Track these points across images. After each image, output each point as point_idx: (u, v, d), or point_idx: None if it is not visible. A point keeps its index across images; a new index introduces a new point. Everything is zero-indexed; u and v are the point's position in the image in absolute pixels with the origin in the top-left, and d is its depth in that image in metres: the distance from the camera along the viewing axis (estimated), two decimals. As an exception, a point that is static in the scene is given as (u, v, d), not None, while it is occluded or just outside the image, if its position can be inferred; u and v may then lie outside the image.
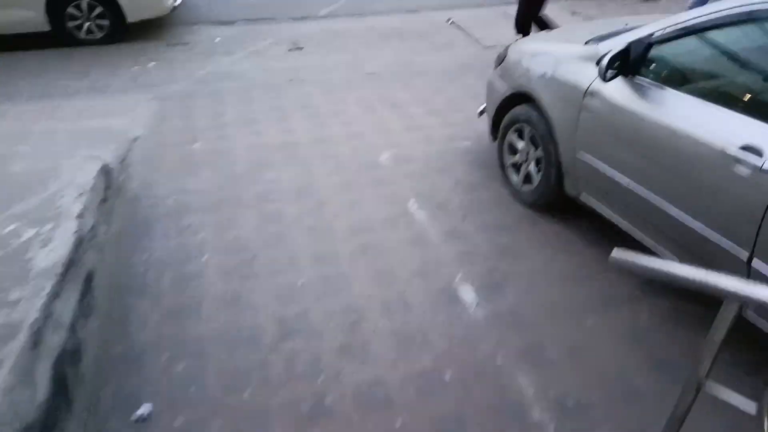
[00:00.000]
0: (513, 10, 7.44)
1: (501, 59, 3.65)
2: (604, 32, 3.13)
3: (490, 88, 3.77)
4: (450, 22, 6.97)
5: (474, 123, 4.44)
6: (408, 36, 6.60)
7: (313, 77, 5.46)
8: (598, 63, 2.74)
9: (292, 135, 4.41)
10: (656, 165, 2.47)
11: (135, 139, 4.22)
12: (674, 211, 2.40)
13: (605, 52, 2.69)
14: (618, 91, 2.64)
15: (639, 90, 2.57)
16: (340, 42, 6.37)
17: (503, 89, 3.51)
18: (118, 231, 3.23)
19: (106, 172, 3.31)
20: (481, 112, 4.02)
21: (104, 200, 3.20)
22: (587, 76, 2.82)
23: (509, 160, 3.61)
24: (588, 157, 2.86)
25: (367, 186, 3.78)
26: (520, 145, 3.46)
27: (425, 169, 3.96)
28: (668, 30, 2.51)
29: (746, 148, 2.06)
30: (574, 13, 7.40)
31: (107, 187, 3.26)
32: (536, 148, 3.30)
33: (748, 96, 2.26)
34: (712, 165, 2.18)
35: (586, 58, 2.89)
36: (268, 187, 3.74)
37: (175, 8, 6.49)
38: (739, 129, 2.12)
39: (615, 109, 2.65)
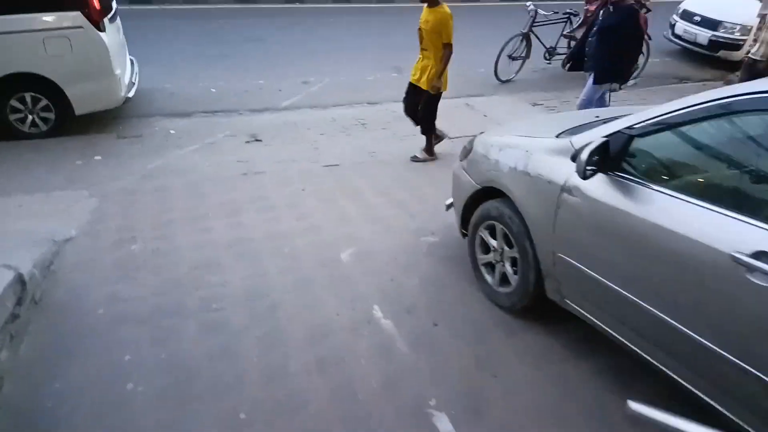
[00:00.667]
0: (475, 101, 7.53)
1: (467, 151, 3.44)
2: (574, 124, 2.95)
3: (457, 181, 3.53)
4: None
5: (441, 215, 4.17)
6: (371, 126, 6.48)
7: (269, 169, 5.19)
8: (573, 158, 2.51)
9: (244, 231, 4.05)
10: (648, 270, 2.19)
11: (66, 241, 3.78)
12: (673, 325, 2.09)
13: (580, 146, 2.48)
14: (599, 188, 2.39)
15: (623, 188, 2.32)
16: (300, 133, 6.18)
17: (471, 184, 3.27)
18: (30, 354, 2.74)
19: (20, 282, 2.85)
20: (449, 206, 3.76)
21: (15, 317, 2.73)
22: (563, 171, 2.58)
23: (482, 258, 3.31)
24: (569, 260, 2.56)
25: (326, 287, 3.40)
26: (494, 243, 3.17)
27: (390, 266, 3.62)
28: (649, 122, 2.31)
29: (761, 254, 1.78)
30: (534, 104, 7.46)
31: (20, 302, 2.80)
32: (511, 247, 3.01)
33: (750, 195, 2.03)
34: (718, 273, 1.90)
35: (560, 152, 2.67)
36: (213, 292, 3.32)
37: (128, 99, 6.25)
38: (746, 232, 1.85)
39: (597, 208, 2.39)
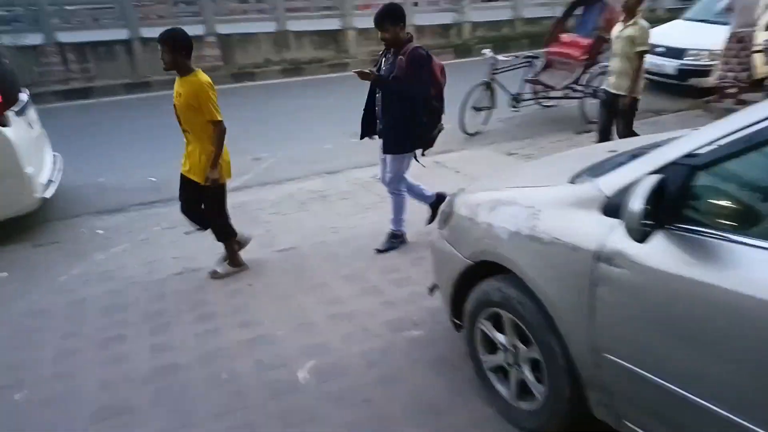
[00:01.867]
0: (444, 158, 6.83)
1: (446, 216, 2.61)
2: (586, 164, 2.16)
3: (439, 256, 2.68)
4: (377, 177, 6.15)
5: (424, 299, 3.29)
6: (331, 198, 5.67)
7: (210, 263, 4.29)
8: (607, 211, 1.70)
9: (170, 354, 3.10)
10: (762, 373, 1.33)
11: None
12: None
13: (615, 191, 1.66)
14: (659, 251, 1.56)
15: (698, 247, 1.49)
16: (250, 215, 5.33)
17: (458, 258, 2.41)
18: None
19: None
20: (432, 289, 2.89)
21: None
22: (593, 231, 1.76)
23: (488, 360, 2.41)
24: (624, 362, 1.69)
25: (276, 427, 2.45)
26: (501, 338, 2.29)
27: (365, 383, 2.70)
28: (722, 143, 1.51)
29: None
30: (509, 153, 6.78)
31: None
32: (528, 344, 2.13)
33: None
34: None
35: (583, 203, 1.85)
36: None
37: (45, 200, 5.37)
38: None
39: (662, 283, 1.55)
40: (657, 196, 1.49)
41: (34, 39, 10.89)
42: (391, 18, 3.73)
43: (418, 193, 4.48)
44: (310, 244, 4.57)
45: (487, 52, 7.72)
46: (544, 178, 2.21)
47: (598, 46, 7.67)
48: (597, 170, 2.00)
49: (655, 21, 11.45)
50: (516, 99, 8.06)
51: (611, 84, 5.38)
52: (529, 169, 2.82)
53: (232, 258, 4.14)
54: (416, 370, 2.77)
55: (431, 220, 4.53)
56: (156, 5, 12.91)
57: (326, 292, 3.74)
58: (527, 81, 8.17)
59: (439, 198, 4.42)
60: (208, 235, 4.81)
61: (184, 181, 3.93)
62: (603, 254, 1.70)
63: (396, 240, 4.37)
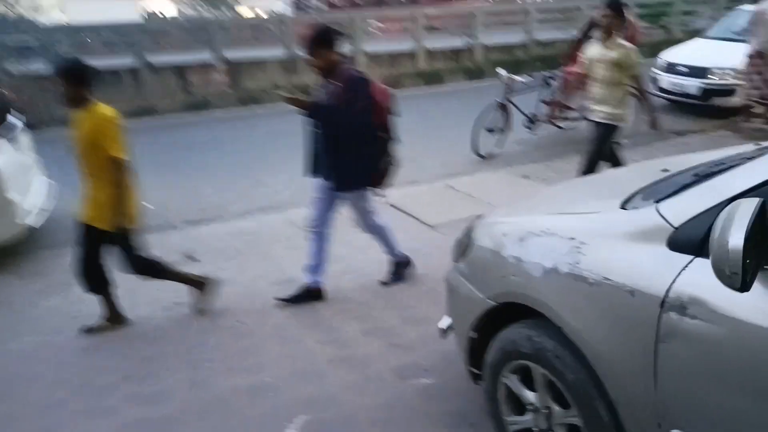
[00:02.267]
0: (457, 182, 6.46)
1: (463, 247, 2.21)
2: (637, 185, 1.77)
3: (454, 294, 2.28)
4: (387, 204, 5.77)
5: (436, 343, 2.88)
6: (338, 224, 5.29)
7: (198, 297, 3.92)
8: (676, 245, 1.30)
9: (161, 406, 2.71)
10: None
11: None
12: None
13: (686, 220, 1.27)
14: (763, 299, 1.15)
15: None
16: (252, 245, 4.96)
17: (478, 299, 2.01)
18: None
19: None
20: (446, 330, 2.48)
21: None
22: (658, 270, 1.36)
23: (514, 423, 1.99)
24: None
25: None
26: (530, 396, 1.87)
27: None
28: None
29: None
30: (525, 176, 6.39)
31: None
32: (565, 405, 1.72)
33: None
34: None
35: (640, 235, 1.45)
36: None
37: (34, 229, 5.05)
38: None
39: (759, 342, 1.14)
40: (759, 227, 1.09)
41: (44, 66, 10.80)
42: (320, 42, 3.31)
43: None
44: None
45: (502, 72, 7.39)
46: (584, 203, 1.83)
47: (618, 65, 7.32)
48: (653, 194, 1.61)
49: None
50: (532, 120, 7.70)
51: (597, 114, 4.79)
52: (563, 192, 2.41)
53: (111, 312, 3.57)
54: (427, 427, 2.35)
55: (389, 280, 3.97)
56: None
57: (333, 334, 3.34)
58: (544, 102, 7.83)
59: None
60: (201, 265, 4.46)
61: (85, 231, 3.34)
62: (673, 301, 1.30)
63: (401, 268, 3.97)
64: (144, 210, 6.09)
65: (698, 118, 8.60)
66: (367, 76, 3.48)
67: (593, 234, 1.59)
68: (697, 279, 1.25)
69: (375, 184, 3.71)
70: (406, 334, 3.19)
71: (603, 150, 4.85)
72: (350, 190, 3.60)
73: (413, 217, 5.28)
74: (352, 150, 3.42)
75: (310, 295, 3.74)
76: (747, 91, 7.56)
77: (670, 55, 9.35)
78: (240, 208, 6.03)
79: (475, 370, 2.17)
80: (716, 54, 8.54)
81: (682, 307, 1.28)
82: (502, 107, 7.30)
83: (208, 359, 3.16)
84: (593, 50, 4.77)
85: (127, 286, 4.25)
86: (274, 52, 12.45)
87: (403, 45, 13.63)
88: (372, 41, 13.42)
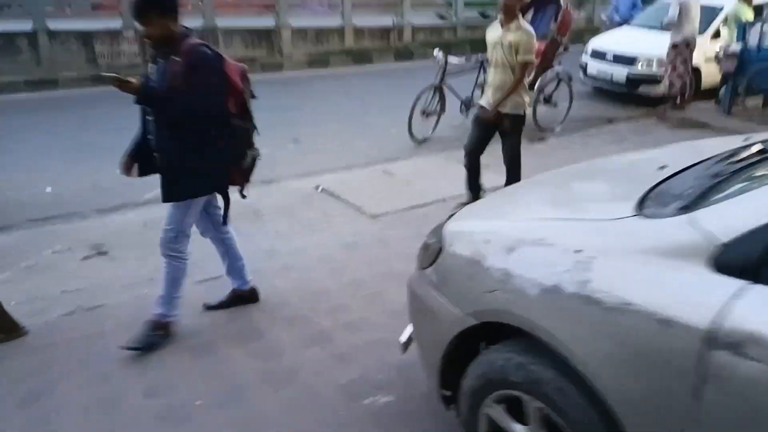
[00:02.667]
0: (393, 167, 6.16)
1: (433, 253, 1.89)
2: (645, 184, 1.52)
3: (420, 306, 1.96)
4: (320, 189, 5.39)
5: (388, 355, 2.58)
6: (268, 215, 4.85)
7: (112, 300, 3.41)
8: (728, 266, 1.05)
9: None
10: None
11: None
12: None
13: (736, 234, 1.02)
14: None
15: None
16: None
17: (452, 315, 1.71)
18: None
19: None
20: (407, 344, 2.17)
21: None
22: (700, 296, 1.11)
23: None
24: None
25: None
26: (520, 430, 1.60)
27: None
28: None
29: None
30: (462, 162, 6.18)
31: None
32: (564, 446, 1.46)
33: None
34: None
35: (672, 251, 1.20)
36: None
37: None
38: None
39: None
40: None
41: None
42: (155, 5, 2.57)
43: (236, 267, 3.26)
44: (242, 273, 3.76)
45: (439, 53, 7.11)
46: (582, 206, 1.56)
47: (553, 50, 7.26)
48: (669, 197, 1.36)
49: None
50: (466, 104, 7.50)
51: (491, 100, 4.40)
52: (549, 189, 2.07)
53: None
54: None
55: (220, 305, 3.27)
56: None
57: (262, 342, 2.96)
58: (478, 86, 7.64)
59: (249, 295, 3.31)
60: (109, 262, 3.93)
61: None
62: (724, 336, 1.05)
63: (161, 332, 2.91)
64: (44, 196, 5.42)
65: (625, 106, 8.77)
66: (218, 52, 2.75)
67: (606, 247, 1.32)
68: (757, 311, 1.01)
69: (235, 183, 3.05)
70: (353, 344, 2.86)
71: (519, 141, 4.51)
72: (182, 199, 2.82)
73: (351, 204, 4.93)
74: (193, 147, 2.70)
75: (242, 298, 3.30)
76: (671, 80, 7.74)
77: (597, 42, 9.46)
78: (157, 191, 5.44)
79: (447, 393, 1.88)
80: (643, 42, 8.70)
81: (736, 345, 1.04)
82: (438, 90, 7.05)
83: (116, 375, 2.70)
84: (493, 33, 4.35)
85: (28, 286, 3.66)
86: (193, 22, 11.59)
87: (331, 21, 13.11)
88: (297, 16, 12.80)
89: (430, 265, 1.85)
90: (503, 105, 4.30)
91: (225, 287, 3.37)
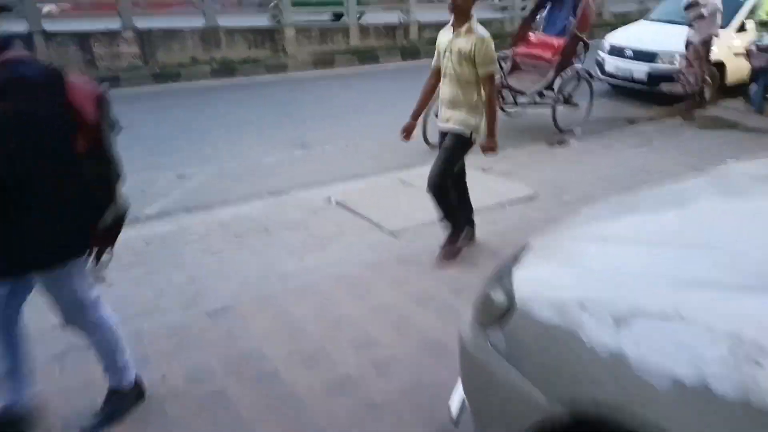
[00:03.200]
0: (410, 175, 5.78)
1: (498, 311, 1.51)
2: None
3: (480, 378, 1.58)
4: (333, 201, 5.02)
5: (437, 410, 2.21)
6: (276, 230, 4.48)
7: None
8: None
9: None
10: None
11: None
12: None
13: None
14: None
15: None
16: (169, 256, 4.07)
17: (531, 400, 1.32)
18: None
19: None
20: (457, 420, 1.78)
21: None
22: None
23: None
24: None
25: None
26: None
27: None
28: None
29: None
30: (483, 169, 5.81)
31: None
32: None
33: None
34: None
35: None
36: None
37: None
38: None
39: None
40: None
41: None
42: None
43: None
44: (251, 301, 3.39)
45: (453, 51, 6.71)
46: (715, 261, 1.18)
47: (573, 46, 6.87)
48: None
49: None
50: (482, 105, 7.11)
51: (443, 119, 3.70)
52: (657, 222, 1.56)
53: None
54: None
55: (99, 418, 2.37)
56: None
57: (269, 385, 2.59)
58: (498, 86, 7.25)
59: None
60: (106, 285, 3.55)
61: None
62: None
63: (124, 399, 2.42)
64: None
65: (646, 105, 8.39)
66: (59, 69, 2.02)
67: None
68: None
69: (95, 245, 2.21)
70: (385, 391, 2.49)
71: (454, 168, 3.71)
72: (63, 261, 2.09)
73: (367, 219, 4.55)
74: (31, 199, 1.95)
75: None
76: (692, 77, 7.34)
77: (615, 37, 9.07)
78: (163, 206, 5.08)
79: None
80: (663, 37, 8.32)
81: None
82: (453, 91, 6.67)
83: None
84: (443, 37, 3.62)
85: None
86: (195, 21, 11.22)
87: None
88: (299, 13, 12.41)
89: (498, 323, 1.48)
90: (448, 121, 3.64)
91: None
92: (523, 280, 1.45)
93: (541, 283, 1.43)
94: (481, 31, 3.44)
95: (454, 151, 3.65)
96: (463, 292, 3.33)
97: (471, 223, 4.06)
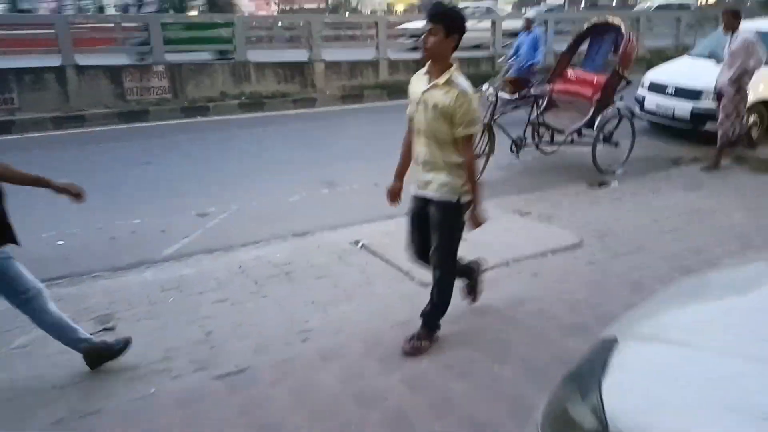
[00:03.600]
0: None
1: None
2: None
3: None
4: (360, 245, 4.71)
5: None
6: (299, 277, 4.18)
7: (113, 401, 2.75)
8: None
9: None
10: None
11: None
12: None
13: None
14: None
15: None
16: (188, 306, 3.79)
17: None
18: None
19: None
20: None
21: None
22: None
23: None
24: None
25: None
26: None
27: None
28: None
29: None
30: (521, 212, 5.46)
31: None
32: None
33: None
34: None
35: None
36: None
37: None
38: None
39: None
40: None
41: None
42: None
43: None
44: (270, 364, 3.07)
45: (489, 89, 6.46)
46: None
47: (614, 84, 6.54)
48: None
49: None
50: (518, 144, 6.80)
51: (420, 183, 3.07)
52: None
53: None
54: None
55: None
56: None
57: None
58: (530, 124, 6.95)
59: None
60: (116, 336, 3.26)
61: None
62: None
63: None
64: (55, 249, 4.83)
65: (688, 144, 7.96)
66: None
67: None
68: None
69: None
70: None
71: (458, 245, 3.17)
72: None
73: (396, 266, 4.22)
74: None
75: None
76: (731, 127, 6.73)
77: (656, 74, 8.71)
78: (182, 247, 4.83)
79: None
80: (707, 75, 7.90)
81: None
82: (488, 128, 6.38)
83: None
84: (415, 85, 3.01)
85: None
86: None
87: (365, 54, 12.65)
88: (329, 49, 12.36)
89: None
90: (427, 186, 3.03)
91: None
92: (616, 402, 1.10)
93: (641, 411, 1.08)
94: (463, 84, 2.83)
95: (451, 227, 3.06)
96: (507, 362, 2.97)
97: (470, 274, 3.54)
